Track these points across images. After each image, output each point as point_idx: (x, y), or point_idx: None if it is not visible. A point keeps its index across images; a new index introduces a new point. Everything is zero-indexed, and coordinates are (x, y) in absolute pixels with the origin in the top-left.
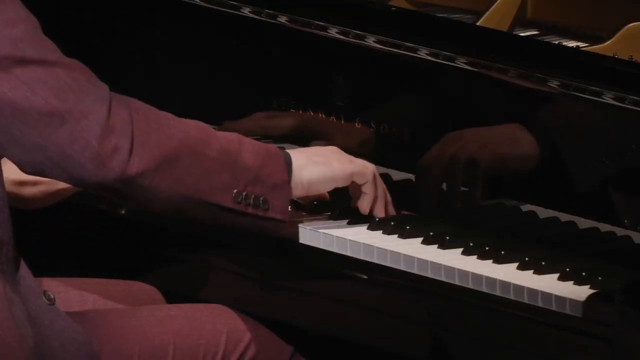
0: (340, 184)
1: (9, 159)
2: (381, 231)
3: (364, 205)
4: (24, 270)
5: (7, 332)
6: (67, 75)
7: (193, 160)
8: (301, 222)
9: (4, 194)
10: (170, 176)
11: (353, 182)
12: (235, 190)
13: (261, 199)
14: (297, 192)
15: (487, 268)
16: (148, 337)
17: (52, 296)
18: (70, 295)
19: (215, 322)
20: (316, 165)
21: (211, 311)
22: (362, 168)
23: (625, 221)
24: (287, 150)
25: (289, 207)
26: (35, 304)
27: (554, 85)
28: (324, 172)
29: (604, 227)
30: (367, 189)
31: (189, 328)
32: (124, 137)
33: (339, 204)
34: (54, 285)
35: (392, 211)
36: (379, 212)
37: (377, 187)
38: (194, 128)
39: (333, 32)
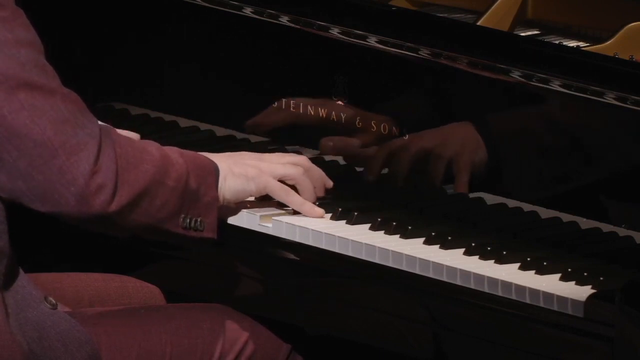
0: (255, 195)
1: None
2: (383, 231)
3: (296, 203)
4: (24, 279)
5: (4, 337)
6: (65, 107)
7: (158, 192)
8: (300, 221)
9: (2, 206)
10: (139, 209)
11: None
12: (182, 216)
13: (199, 219)
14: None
15: (488, 268)
16: (146, 337)
17: (53, 301)
18: (66, 292)
19: (213, 321)
20: (234, 178)
21: (209, 310)
22: (284, 173)
23: (627, 221)
24: (211, 158)
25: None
26: (37, 310)
27: (554, 85)
28: (240, 185)
29: (606, 227)
30: (300, 187)
31: (186, 327)
32: (109, 177)
33: (339, 204)
34: (49, 282)
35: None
36: (320, 193)
37: (311, 178)
38: (160, 158)
39: (334, 32)
